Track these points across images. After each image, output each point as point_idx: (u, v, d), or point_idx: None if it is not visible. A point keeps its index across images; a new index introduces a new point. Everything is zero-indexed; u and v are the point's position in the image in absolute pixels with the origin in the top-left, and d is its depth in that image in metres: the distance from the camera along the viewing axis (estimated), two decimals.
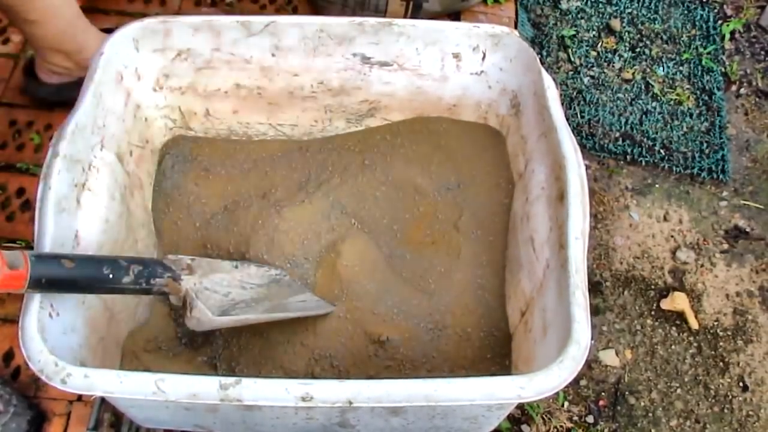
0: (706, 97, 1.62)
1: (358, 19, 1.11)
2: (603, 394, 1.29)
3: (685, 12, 1.75)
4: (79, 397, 1.16)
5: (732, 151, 1.57)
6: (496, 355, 1.08)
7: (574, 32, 1.69)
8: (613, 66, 1.65)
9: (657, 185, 1.52)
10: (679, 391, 1.30)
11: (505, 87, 1.17)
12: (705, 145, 1.56)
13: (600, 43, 1.68)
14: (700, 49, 1.69)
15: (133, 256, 1.05)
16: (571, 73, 1.64)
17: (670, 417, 1.28)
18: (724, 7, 1.78)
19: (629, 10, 1.74)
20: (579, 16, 1.72)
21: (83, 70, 1.04)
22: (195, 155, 1.22)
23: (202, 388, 0.78)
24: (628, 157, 1.53)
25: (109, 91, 1.05)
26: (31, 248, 0.89)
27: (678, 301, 1.37)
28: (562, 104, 1.08)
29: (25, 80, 1.39)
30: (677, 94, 1.62)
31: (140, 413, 1.01)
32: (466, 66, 1.16)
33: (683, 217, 1.48)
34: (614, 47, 1.68)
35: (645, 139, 1.55)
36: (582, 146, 1.52)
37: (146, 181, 1.17)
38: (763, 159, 1.57)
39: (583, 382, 1.30)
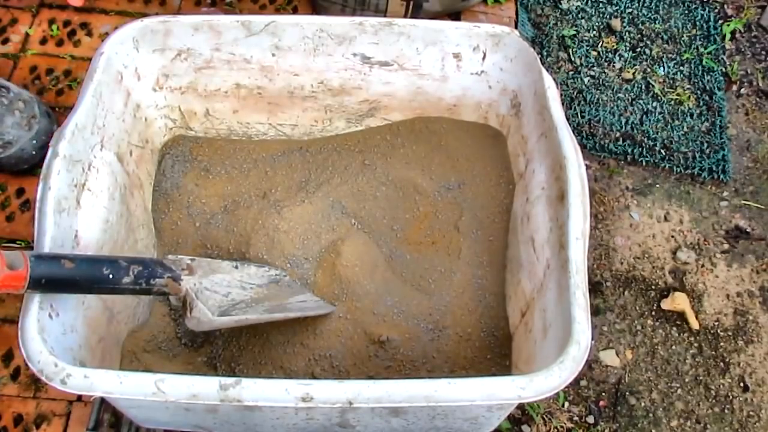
0: (707, 97, 1.62)
1: (358, 19, 1.11)
2: (603, 394, 1.29)
3: (686, 12, 1.75)
4: (79, 398, 1.16)
5: (733, 151, 1.57)
6: (496, 355, 1.08)
7: (574, 32, 1.69)
8: (613, 66, 1.65)
9: (657, 185, 1.52)
10: (679, 391, 1.30)
11: (506, 87, 1.17)
12: (706, 145, 1.56)
13: (600, 43, 1.68)
14: (701, 49, 1.69)
15: (133, 256, 1.05)
16: (572, 73, 1.64)
17: (671, 417, 1.28)
18: (725, 6, 1.78)
19: (630, 10, 1.74)
20: (579, 15, 1.72)
21: None
22: (195, 155, 1.22)
23: (202, 388, 0.78)
24: (629, 157, 1.53)
25: (109, 91, 1.05)
26: (31, 248, 0.89)
27: (678, 302, 1.37)
28: (563, 104, 1.08)
29: None
30: (678, 94, 1.62)
31: (140, 413, 1.01)
32: (466, 66, 1.16)
33: (684, 218, 1.48)
34: (615, 47, 1.68)
35: (645, 139, 1.55)
36: (582, 146, 1.52)
37: (146, 181, 1.17)
38: (764, 159, 1.57)
39: (583, 383, 1.30)
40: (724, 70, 1.67)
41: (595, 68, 1.65)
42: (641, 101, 1.60)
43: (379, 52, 1.14)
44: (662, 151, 1.54)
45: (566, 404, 1.28)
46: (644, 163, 1.53)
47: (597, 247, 1.43)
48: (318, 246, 1.12)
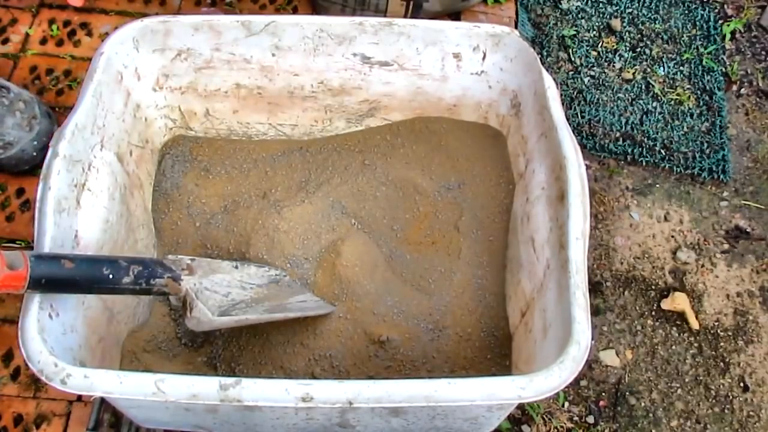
0: (707, 97, 1.62)
1: (358, 19, 1.11)
2: (603, 394, 1.29)
3: (686, 12, 1.75)
4: (79, 398, 1.16)
5: (733, 151, 1.57)
6: (496, 355, 1.08)
7: (574, 32, 1.69)
8: (613, 66, 1.65)
9: (657, 185, 1.52)
10: (679, 391, 1.30)
11: (506, 87, 1.17)
12: (706, 145, 1.56)
13: (600, 43, 1.68)
14: (701, 49, 1.69)
15: (133, 256, 1.05)
16: (572, 73, 1.64)
17: (671, 417, 1.28)
18: (725, 6, 1.78)
19: (630, 10, 1.74)
20: (579, 15, 1.72)
21: None
22: (195, 155, 1.22)
23: (202, 388, 0.78)
24: (629, 157, 1.53)
25: (109, 91, 1.05)
26: (31, 248, 0.88)
27: (678, 302, 1.37)
28: (563, 104, 1.08)
29: None
30: (678, 94, 1.62)
31: (140, 413, 1.01)
32: (466, 66, 1.16)
33: (684, 218, 1.48)
34: (615, 47, 1.68)
35: (645, 139, 1.55)
36: (582, 146, 1.52)
37: (146, 181, 1.17)
38: (764, 159, 1.57)
39: (583, 383, 1.30)
40: (724, 70, 1.67)
41: (595, 68, 1.65)
42: (641, 101, 1.60)
43: (379, 52, 1.14)
44: (662, 151, 1.54)
45: (566, 404, 1.28)
46: (644, 163, 1.53)
47: (597, 247, 1.43)
48: (318, 246, 1.12)
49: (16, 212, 1.32)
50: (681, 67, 1.66)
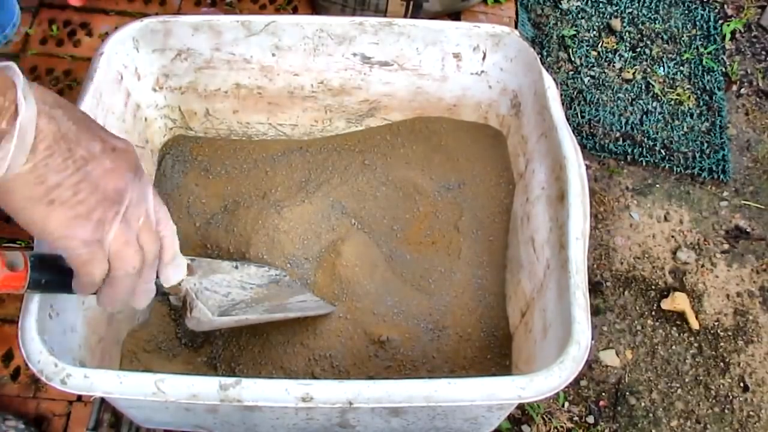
0: (707, 97, 1.62)
1: (358, 19, 1.11)
2: (603, 394, 1.29)
3: (686, 12, 1.75)
4: (79, 398, 1.16)
5: (733, 151, 1.57)
6: (496, 355, 1.08)
7: (574, 32, 1.69)
8: (613, 66, 1.65)
9: (657, 185, 1.52)
10: (679, 391, 1.30)
11: (506, 87, 1.17)
12: (706, 145, 1.56)
13: (600, 43, 1.68)
14: (701, 49, 1.69)
15: None
16: (572, 73, 1.64)
17: (671, 417, 1.28)
18: (725, 6, 1.78)
19: (630, 10, 1.74)
20: (579, 15, 1.72)
21: None
22: (195, 155, 1.22)
23: (202, 388, 0.78)
24: (629, 157, 1.53)
25: (109, 91, 1.05)
26: (31, 248, 0.88)
27: (678, 302, 1.37)
28: (563, 104, 1.08)
29: None
30: (678, 94, 1.62)
31: (140, 413, 1.01)
32: (466, 66, 1.16)
33: (684, 218, 1.48)
34: (615, 47, 1.68)
35: (645, 139, 1.55)
36: (582, 146, 1.52)
37: None
38: (764, 159, 1.57)
39: (583, 383, 1.30)
40: (724, 70, 1.67)
41: (595, 68, 1.65)
42: (641, 101, 1.60)
43: (379, 52, 1.14)
44: (662, 151, 1.54)
45: (566, 404, 1.28)
46: (644, 163, 1.53)
47: (597, 247, 1.43)
48: (318, 246, 1.12)
49: None
50: (681, 67, 1.66)
